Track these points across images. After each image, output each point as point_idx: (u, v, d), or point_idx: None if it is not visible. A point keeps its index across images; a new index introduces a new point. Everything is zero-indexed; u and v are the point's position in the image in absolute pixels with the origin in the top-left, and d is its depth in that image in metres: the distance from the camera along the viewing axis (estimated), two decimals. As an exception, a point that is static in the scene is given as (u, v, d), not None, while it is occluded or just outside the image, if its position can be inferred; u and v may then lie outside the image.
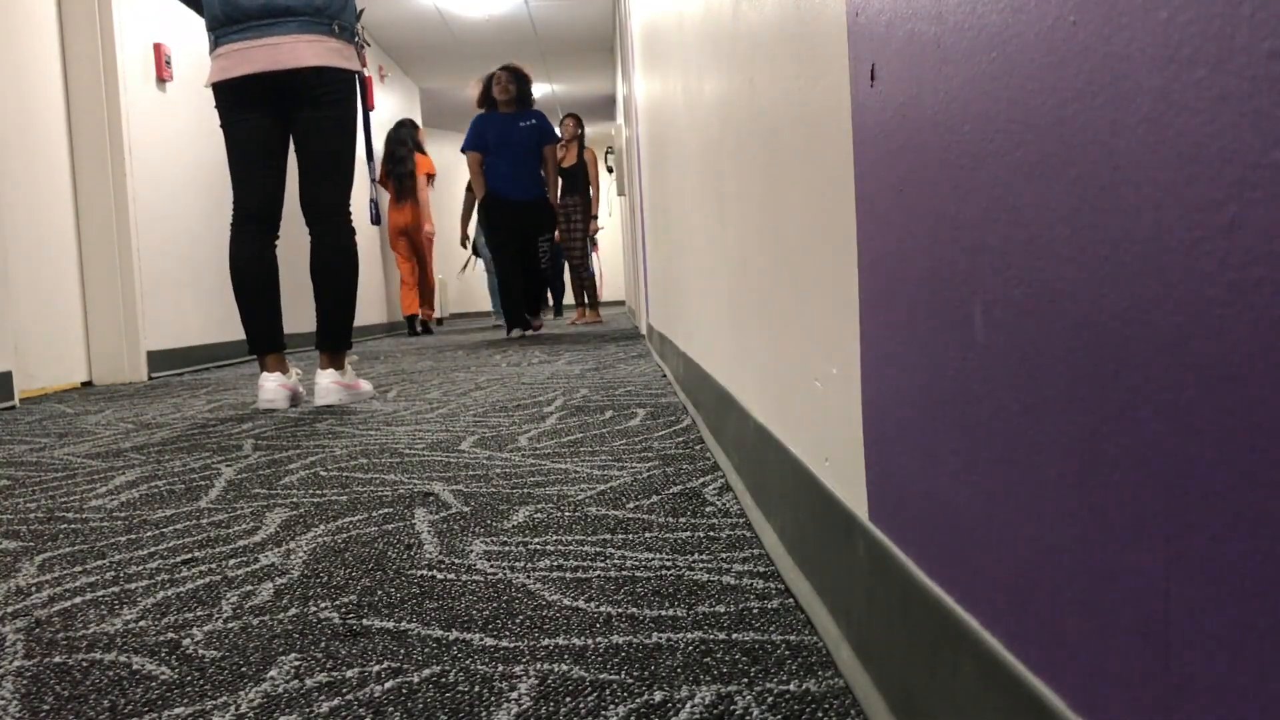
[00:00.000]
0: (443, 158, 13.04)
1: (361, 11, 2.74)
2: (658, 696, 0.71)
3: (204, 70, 4.08)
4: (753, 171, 1.16)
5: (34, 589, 1.06)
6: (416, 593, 0.98)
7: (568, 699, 0.71)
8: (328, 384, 2.66)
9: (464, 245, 8.20)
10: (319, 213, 2.66)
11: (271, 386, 2.63)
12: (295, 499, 1.47)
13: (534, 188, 5.94)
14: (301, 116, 2.61)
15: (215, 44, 2.58)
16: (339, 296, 2.67)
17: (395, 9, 7.75)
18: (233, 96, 2.59)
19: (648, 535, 1.16)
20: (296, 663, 0.81)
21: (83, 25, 4.05)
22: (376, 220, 2.80)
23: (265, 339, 2.65)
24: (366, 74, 2.70)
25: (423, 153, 7.61)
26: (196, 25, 4.79)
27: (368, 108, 2.76)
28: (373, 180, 2.84)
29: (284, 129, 2.66)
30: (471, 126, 5.86)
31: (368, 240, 7.92)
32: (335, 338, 2.67)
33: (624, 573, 1.01)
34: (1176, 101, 0.32)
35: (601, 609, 0.90)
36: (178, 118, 4.66)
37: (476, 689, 0.74)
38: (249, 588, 1.03)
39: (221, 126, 2.68)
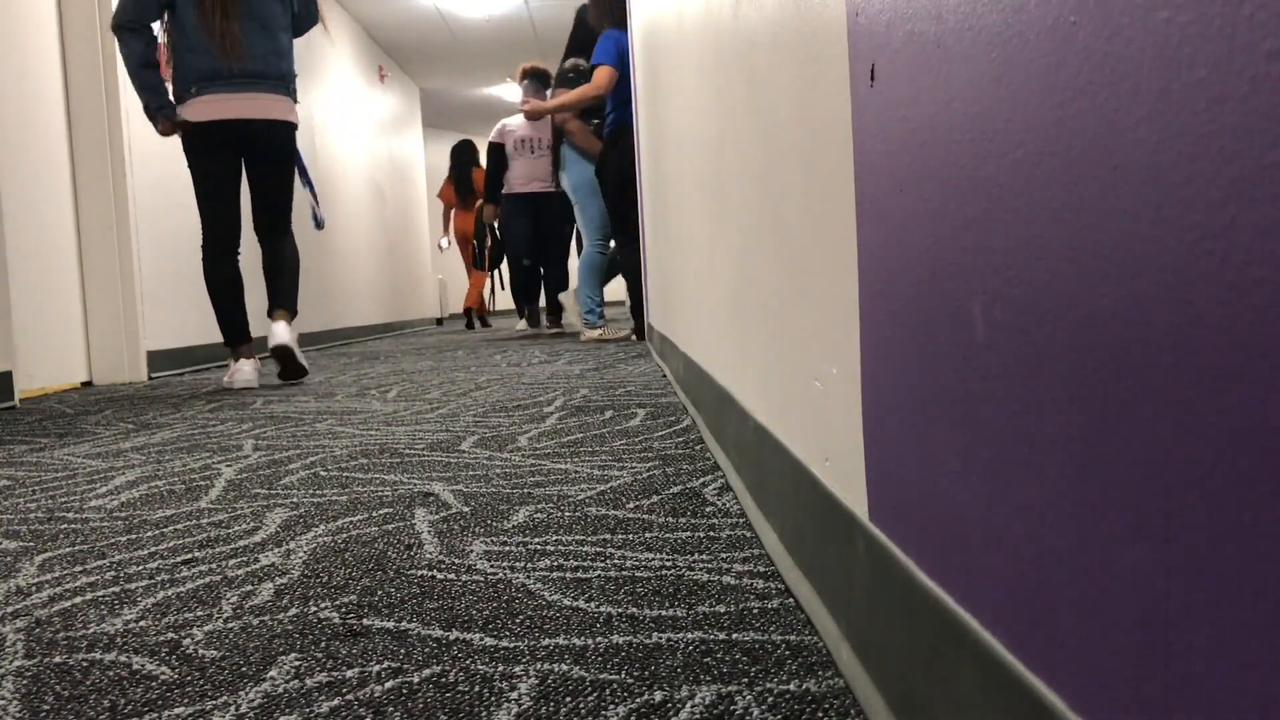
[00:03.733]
0: (442, 158, 13.03)
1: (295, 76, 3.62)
2: (658, 696, 0.71)
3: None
4: (752, 171, 1.16)
5: (34, 589, 1.06)
6: (416, 593, 0.98)
7: (568, 699, 0.71)
8: (283, 329, 3.40)
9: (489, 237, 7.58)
10: (273, 234, 3.49)
11: (248, 369, 3.37)
12: (295, 499, 1.47)
13: None
14: (265, 170, 3.42)
15: (197, 93, 3.27)
16: (290, 276, 3.50)
17: (395, 9, 7.75)
18: (208, 142, 3.30)
19: (648, 535, 1.16)
20: (297, 663, 0.81)
21: (83, 25, 4.05)
22: (320, 226, 3.86)
23: (241, 331, 3.41)
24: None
25: (479, 167, 8.17)
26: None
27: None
28: (310, 190, 3.74)
29: (241, 169, 3.42)
30: (613, 42, 4.71)
31: (375, 241, 7.92)
32: (290, 296, 3.49)
33: (624, 573, 1.01)
34: (1176, 101, 0.32)
35: (601, 609, 0.90)
36: (178, 118, 4.66)
37: (476, 689, 0.74)
38: (249, 588, 1.03)
39: (191, 159, 3.32)
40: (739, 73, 1.23)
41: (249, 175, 3.43)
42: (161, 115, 3.27)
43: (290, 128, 3.45)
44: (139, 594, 1.03)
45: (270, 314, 3.44)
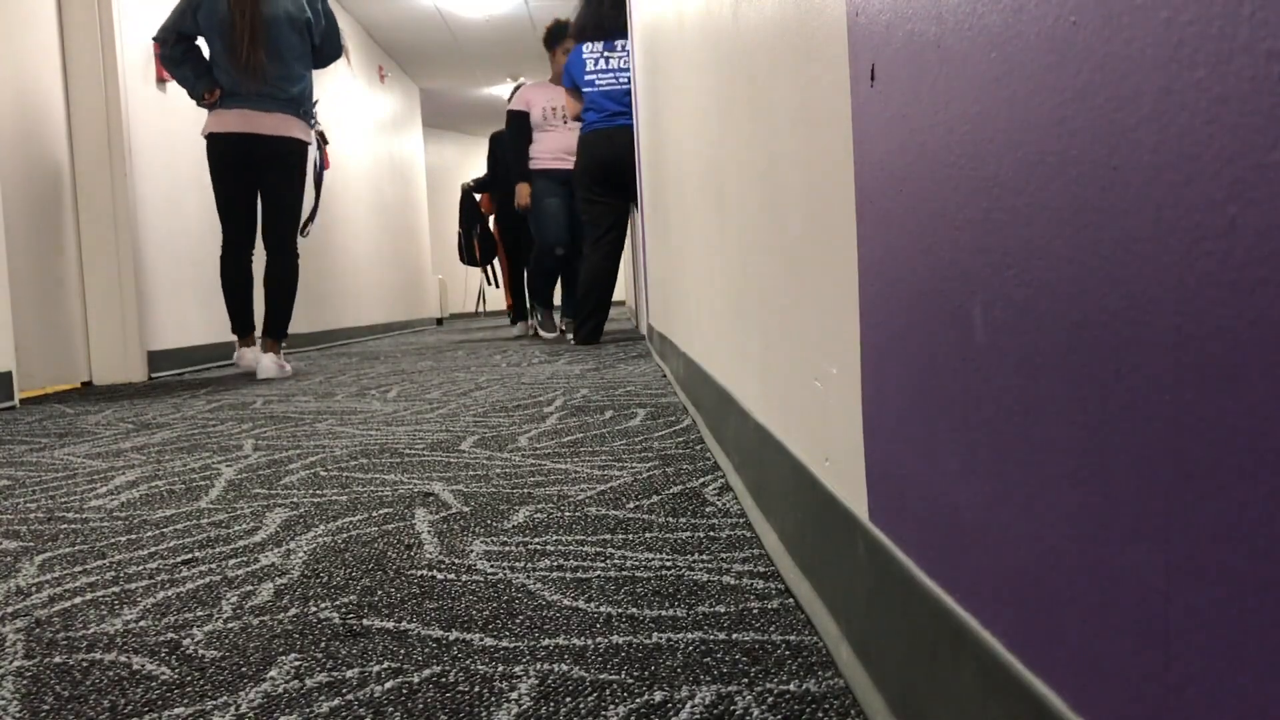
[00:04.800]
0: (442, 158, 13.04)
1: (316, 102, 4.01)
2: (658, 696, 0.71)
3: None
4: (753, 171, 1.16)
5: (34, 589, 1.06)
6: (416, 593, 0.98)
7: (568, 699, 0.71)
8: (268, 363, 3.82)
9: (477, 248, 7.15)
10: (279, 243, 3.85)
11: (251, 354, 3.87)
12: (295, 499, 1.47)
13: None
14: (273, 182, 3.79)
15: (214, 105, 3.71)
16: (284, 300, 3.86)
17: (395, 9, 7.75)
18: (225, 156, 3.72)
19: (648, 535, 1.16)
20: (296, 663, 0.81)
21: (83, 25, 4.05)
22: (303, 234, 4.13)
23: (246, 324, 3.87)
24: (325, 142, 4.09)
25: None
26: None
27: (324, 166, 4.12)
28: (313, 212, 4.12)
29: (255, 182, 3.80)
30: (567, 63, 4.83)
31: (378, 244, 7.92)
32: (279, 329, 3.88)
33: (624, 573, 1.01)
34: (1176, 101, 0.32)
35: (601, 609, 0.90)
36: (178, 118, 4.66)
37: (476, 689, 0.74)
38: (249, 588, 1.03)
39: (214, 170, 3.73)
40: (739, 73, 1.23)
41: (260, 187, 3.80)
42: (195, 96, 3.73)
43: (298, 144, 3.82)
44: (139, 594, 1.03)
45: (261, 340, 3.91)
